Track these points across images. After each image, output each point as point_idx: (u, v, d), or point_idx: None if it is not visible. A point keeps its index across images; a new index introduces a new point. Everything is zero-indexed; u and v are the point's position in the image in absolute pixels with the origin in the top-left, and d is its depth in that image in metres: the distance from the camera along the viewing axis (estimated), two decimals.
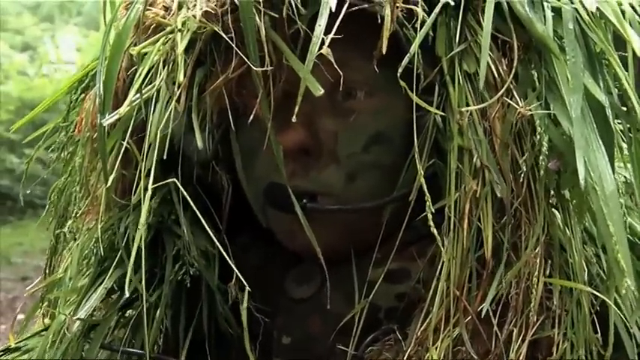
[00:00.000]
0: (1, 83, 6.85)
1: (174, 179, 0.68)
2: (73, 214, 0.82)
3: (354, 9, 0.64)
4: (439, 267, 0.66)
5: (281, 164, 0.69)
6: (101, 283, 0.74)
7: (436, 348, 0.63)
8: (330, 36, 0.61)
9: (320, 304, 0.75)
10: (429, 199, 0.64)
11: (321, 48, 0.61)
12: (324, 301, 0.75)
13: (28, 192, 1.04)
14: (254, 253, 0.81)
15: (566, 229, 0.65)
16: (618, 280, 0.58)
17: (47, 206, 0.88)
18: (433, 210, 0.64)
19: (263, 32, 0.63)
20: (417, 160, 0.64)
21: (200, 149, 0.69)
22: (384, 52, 0.63)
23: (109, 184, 0.67)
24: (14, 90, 6.76)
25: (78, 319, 0.72)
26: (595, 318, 0.66)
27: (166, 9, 0.69)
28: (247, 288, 0.68)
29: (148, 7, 0.70)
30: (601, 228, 0.59)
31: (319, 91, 0.63)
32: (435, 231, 0.64)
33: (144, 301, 0.67)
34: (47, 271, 0.89)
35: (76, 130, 0.83)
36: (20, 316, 0.93)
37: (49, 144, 0.90)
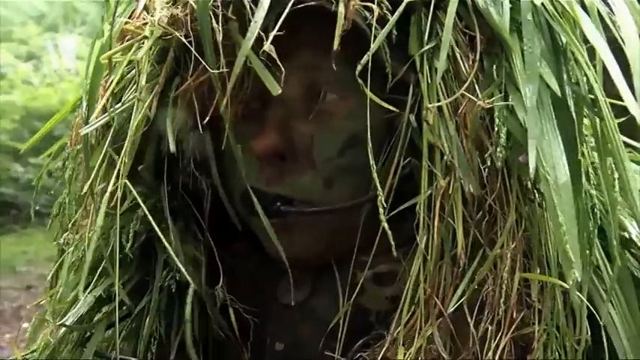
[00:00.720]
0: (6, 93, 6.85)
1: (125, 180, 0.68)
2: (69, 225, 0.83)
3: (300, 6, 0.64)
4: (412, 266, 0.65)
5: (242, 168, 0.69)
6: (91, 292, 0.75)
7: (406, 347, 0.63)
8: (273, 33, 0.61)
9: (311, 309, 0.75)
10: (382, 196, 0.64)
11: (261, 45, 0.61)
12: (315, 306, 0.75)
13: (33, 201, 1.06)
14: (249, 259, 0.81)
15: (544, 222, 0.64)
16: (566, 270, 0.57)
17: (51, 220, 0.89)
18: (385, 205, 0.64)
19: (219, 36, 0.63)
20: (371, 162, 0.64)
21: (174, 152, 0.68)
22: (335, 48, 0.63)
23: (84, 191, 0.68)
24: (19, 99, 6.76)
25: (62, 324, 0.73)
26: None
27: (146, 23, 0.70)
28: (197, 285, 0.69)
29: (129, 20, 0.71)
30: (550, 217, 0.59)
31: (277, 90, 0.63)
32: (386, 225, 0.64)
33: (116, 308, 0.67)
34: (51, 282, 0.90)
35: (69, 144, 0.85)
36: (25, 325, 0.94)
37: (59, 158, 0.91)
